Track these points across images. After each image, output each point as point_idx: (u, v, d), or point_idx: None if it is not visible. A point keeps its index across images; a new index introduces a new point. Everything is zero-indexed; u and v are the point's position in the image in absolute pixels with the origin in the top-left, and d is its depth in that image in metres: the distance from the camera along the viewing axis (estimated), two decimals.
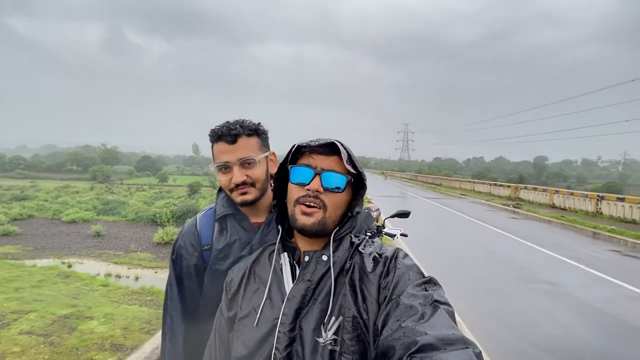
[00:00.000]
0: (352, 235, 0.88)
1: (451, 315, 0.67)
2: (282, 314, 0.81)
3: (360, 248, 0.85)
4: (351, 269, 0.82)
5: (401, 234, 3.48)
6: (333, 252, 0.84)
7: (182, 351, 1.20)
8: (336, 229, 0.86)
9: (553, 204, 18.96)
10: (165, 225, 13.68)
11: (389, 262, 0.80)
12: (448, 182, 37.25)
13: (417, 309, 0.67)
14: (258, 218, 1.25)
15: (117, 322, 4.28)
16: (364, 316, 0.76)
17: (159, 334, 1.25)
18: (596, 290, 5.88)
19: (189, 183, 30.95)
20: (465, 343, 0.59)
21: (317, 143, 0.84)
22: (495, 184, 27.76)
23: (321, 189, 0.83)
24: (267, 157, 1.24)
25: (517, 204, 19.94)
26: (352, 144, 0.90)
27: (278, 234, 0.91)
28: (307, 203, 0.83)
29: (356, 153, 0.89)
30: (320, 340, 0.78)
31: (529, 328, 4.39)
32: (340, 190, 0.84)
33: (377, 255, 0.82)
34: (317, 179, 0.83)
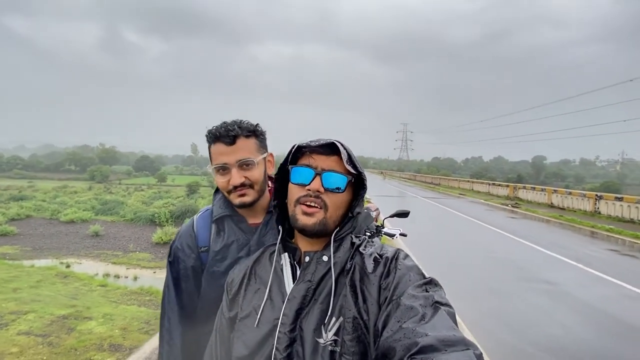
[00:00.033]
0: (353, 236, 0.87)
1: (452, 316, 0.67)
2: (283, 315, 0.81)
3: (361, 249, 0.85)
4: (352, 269, 0.82)
5: (400, 234, 3.48)
6: (334, 253, 0.84)
7: (180, 354, 1.20)
8: (337, 229, 0.86)
9: (551, 203, 19.01)
10: (164, 225, 13.65)
11: (389, 263, 0.80)
12: (447, 181, 37.31)
13: (417, 310, 0.67)
14: (255, 219, 1.24)
15: (116, 322, 4.27)
16: (365, 317, 0.76)
17: (158, 335, 1.25)
18: (595, 289, 5.89)
19: (187, 183, 30.89)
20: (465, 344, 0.59)
21: (317, 143, 0.84)
22: (493, 184, 27.82)
23: (322, 189, 0.83)
24: (265, 158, 1.23)
25: (516, 203, 19.98)
26: (351, 143, 0.90)
27: (278, 235, 0.91)
28: (308, 203, 0.83)
29: (355, 153, 0.89)
30: (321, 340, 0.77)
31: (529, 328, 4.40)
32: (340, 191, 0.84)
33: (377, 256, 0.82)
34: (317, 179, 0.83)
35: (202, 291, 1.22)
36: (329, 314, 0.79)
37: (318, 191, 0.82)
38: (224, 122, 1.17)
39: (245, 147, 1.15)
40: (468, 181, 34.01)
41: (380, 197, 19.85)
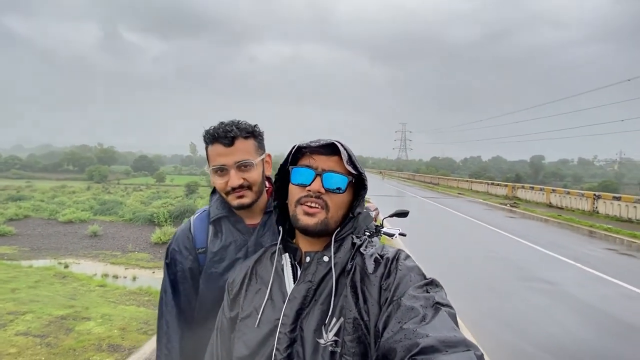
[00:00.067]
0: (354, 236, 0.87)
1: (453, 317, 0.67)
2: (283, 315, 0.81)
3: (361, 249, 0.85)
4: (352, 270, 0.82)
5: (400, 234, 3.48)
6: (334, 253, 0.84)
7: (179, 357, 1.19)
8: (337, 229, 0.86)
9: (550, 203, 19.05)
10: (163, 225, 13.64)
11: (390, 264, 0.80)
12: (446, 181, 37.37)
13: (418, 311, 0.67)
14: (253, 220, 1.23)
15: (115, 322, 4.26)
16: (365, 318, 0.76)
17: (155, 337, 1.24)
18: (593, 288, 5.91)
19: (186, 183, 30.84)
20: (466, 345, 0.59)
21: (317, 144, 0.84)
22: (492, 183, 27.88)
23: (322, 190, 0.83)
24: (263, 159, 1.22)
25: (514, 203, 20.02)
26: (350, 143, 0.90)
27: (279, 235, 0.91)
28: (309, 204, 0.83)
29: (354, 152, 0.89)
30: (321, 341, 0.77)
31: (527, 327, 4.41)
32: (341, 191, 0.84)
33: (378, 257, 0.82)
34: (318, 179, 0.83)
35: (200, 293, 1.21)
36: (329, 314, 0.79)
37: (319, 192, 0.82)
38: (222, 123, 1.16)
39: (243, 149, 1.14)
40: (467, 181, 34.07)
41: (379, 196, 19.87)
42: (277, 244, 0.92)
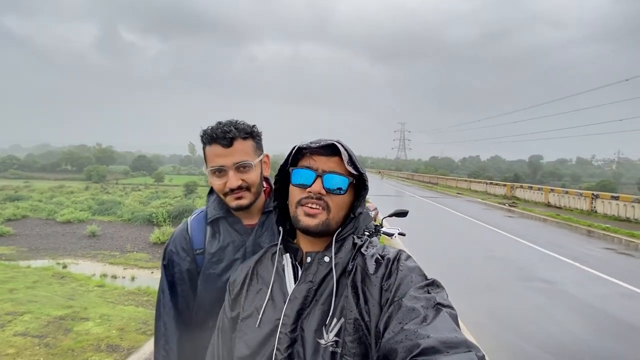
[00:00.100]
0: (355, 237, 0.87)
1: (454, 318, 0.67)
2: (284, 315, 0.81)
3: (362, 250, 0.85)
4: (353, 270, 0.82)
5: (399, 233, 3.48)
6: (335, 254, 0.84)
7: (177, 358, 1.18)
8: (338, 230, 0.86)
9: (548, 202, 19.10)
10: (162, 225, 13.63)
11: (391, 264, 0.80)
12: (444, 181, 37.41)
13: (419, 312, 0.67)
14: (251, 220, 1.23)
15: (113, 322, 4.25)
16: (366, 318, 0.76)
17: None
18: (591, 288, 5.93)
19: (185, 183, 30.85)
20: (468, 347, 0.59)
21: (317, 144, 0.84)
22: (491, 183, 27.92)
23: (323, 191, 0.83)
24: (261, 160, 1.21)
25: (513, 202, 20.06)
26: (349, 142, 0.90)
27: (279, 236, 0.91)
28: (310, 205, 0.83)
29: (353, 152, 0.89)
30: (322, 341, 0.77)
31: (527, 326, 4.42)
32: (342, 192, 0.84)
33: (379, 257, 0.82)
34: (318, 181, 0.83)
35: (198, 294, 1.20)
36: (330, 314, 0.79)
37: (319, 193, 0.82)
38: (219, 123, 1.14)
39: (242, 150, 1.13)
40: (465, 180, 34.11)
41: (378, 196, 19.89)
42: (277, 244, 0.92)
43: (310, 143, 0.85)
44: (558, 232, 11.66)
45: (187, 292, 1.21)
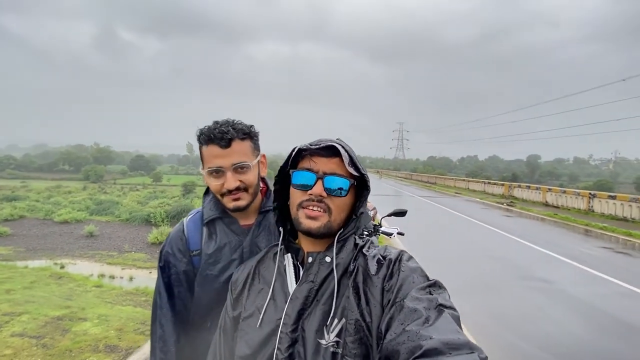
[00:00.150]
0: (356, 237, 0.87)
1: (456, 319, 0.66)
2: (285, 315, 0.81)
3: (364, 250, 0.85)
4: (355, 271, 0.81)
5: (398, 233, 3.48)
6: (336, 254, 0.83)
7: None
8: (340, 230, 0.85)
9: (546, 202, 19.16)
10: (160, 225, 13.58)
11: (392, 265, 0.79)
12: (443, 180, 37.48)
13: (421, 313, 0.66)
14: (247, 220, 1.22)
15: (111, 323, 4.23)
16: (367, 319, 0.75)
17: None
18: (589, 287, 5.95)
19: (183, 182, 30.77)
20: (470, 348, 0.58)
21: (317, 146, 0.83)
22: (489, 183, 27.99)
23: (324, 194, 0.82)
24: (259, 160, 1.20)
25: (511, 202, 20.12)
26: (348, 142, 0.89)
27: (279, 236, 0.90)
28: (312, 207, 0.83)
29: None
30: (323, 342, 0.77)
31: (525, 325, 4.43)
32: (343, 194, 0.84)
33: (381, 258, 0.82)
34: (319, 183, 0.82)
35: (195, 295, 1.20)
36: (331, 315, 0.79)
37: (320, 195, 0.82)
38: (217, 123, 1.13)
39: (240, 150, 1.12)
40: (464, 180, 34.17)
41: (377, 196, 19.90)
42: (278, 244, 0.92)
43: (311, 144, 0.85)
44: (556, 231, 11.70)
45: (184, 294, 1.20)
